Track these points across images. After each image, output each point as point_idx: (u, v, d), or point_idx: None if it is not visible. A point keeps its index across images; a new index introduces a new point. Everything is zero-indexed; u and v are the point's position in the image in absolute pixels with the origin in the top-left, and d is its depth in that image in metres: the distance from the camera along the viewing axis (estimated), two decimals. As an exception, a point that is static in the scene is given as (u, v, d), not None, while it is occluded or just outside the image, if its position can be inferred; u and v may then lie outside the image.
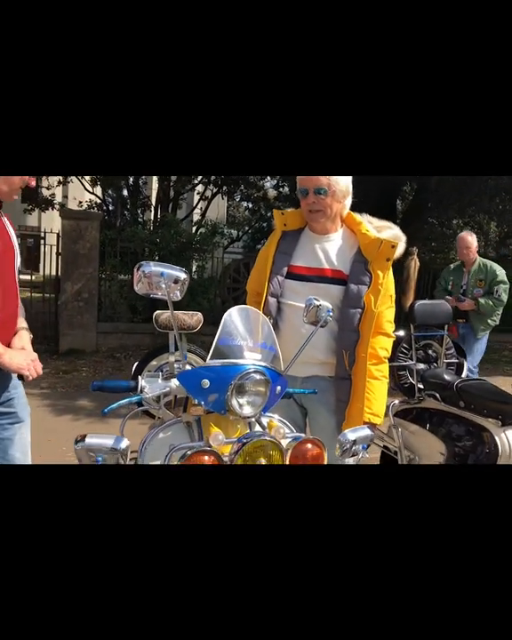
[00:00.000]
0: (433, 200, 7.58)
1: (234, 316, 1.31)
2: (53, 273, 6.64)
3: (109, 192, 10.09)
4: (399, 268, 1.76)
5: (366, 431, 1.35)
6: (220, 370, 1.23)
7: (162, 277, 1.25)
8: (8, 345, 1.60)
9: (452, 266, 4.45)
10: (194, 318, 1.83)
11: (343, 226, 1.83)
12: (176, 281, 1.29)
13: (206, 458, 1.08)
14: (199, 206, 9.67)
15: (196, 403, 1.30)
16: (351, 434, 1.32)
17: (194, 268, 7.16)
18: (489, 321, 4.09)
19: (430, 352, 2.87)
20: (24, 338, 1.66)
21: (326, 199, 1.72)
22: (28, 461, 1.72)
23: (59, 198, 9.73)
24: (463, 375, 2.85)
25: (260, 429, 1.28)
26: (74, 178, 9.18)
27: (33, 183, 1.64)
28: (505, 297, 4.07)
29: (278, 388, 1.33)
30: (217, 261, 7.58)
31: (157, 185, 8.93)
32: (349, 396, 1.75)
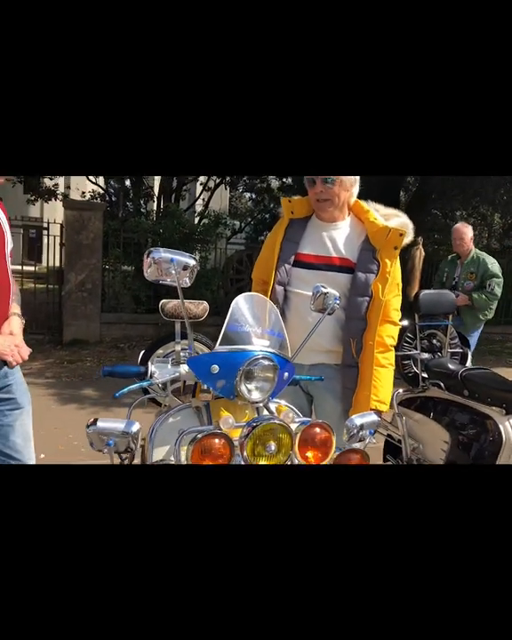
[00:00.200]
0: (437, 191, 7.55)
1: (242, 303, 1.32)
2: (57, 264, 6.65)
3: (112, 183, 10.07)
4: (404, 257, 1.77)
5: (373, 417, 1.36)
6: (229, 356, 1.24)
7: (172, 263, 1.26)
8: None
9: (449, 257, 4.39)
10: (200, 307, 1.84)
11: (350, 214, 1.83)
12: (185, 267, 1.30)
13: (217, 441, 1.09)
14: (202, 197, 9.64)
15: (205, 388, 1.32)
16: (358, 419, 1.34)
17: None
18: (480, 316, 4.00)
19: (434, 342, 2.88)
20: (14, 323, 1.62)
21: (334, 188, 1.72)
22: (30, 448, 1.71)
23: (61, 189, 9.71)
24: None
25: (269, 414, 1.29)
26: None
27: (1, 181, 1.61)
28: (498, 291, 3.96)
29: (286, 373, 1.34)
30: (220, 252, 7.58)
31: (160, 176, 8.90)
32: (356, 384, 1.77)
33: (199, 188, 10.13)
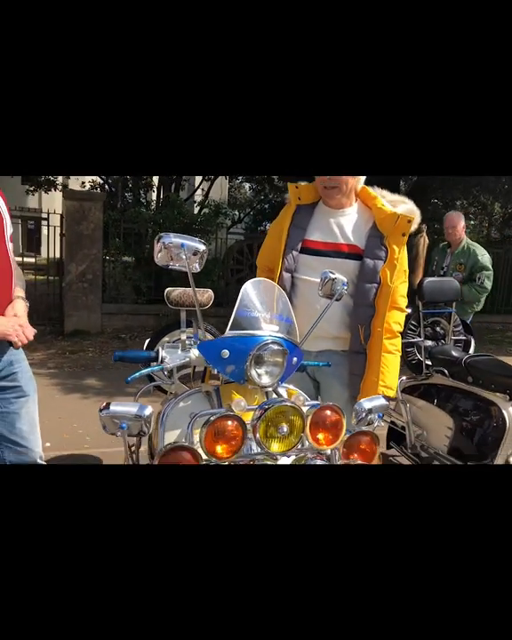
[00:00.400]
0: (437, 180, 7.51)
1: (251, 289, 1.33)
2: (56, 255, 6.63)
3: (111, 173, 9.99)
4: (409, 245, 1.75)
5: (382, 400, 1.38)
6: (238, 341, 1.25)
7: (182, 249, 1.26)
8: (1, 314, 1.56)
9: (440, 245, 4.28)
10: (205, 295, 1.85)
11: (358, 200, 1.83)
12: (195, 252, 1.31)
13: (230, 423, 1.11)
14: (201, 187, 9.60)
15: (216, 372, 1.33)
16: (367, 403, 1.36)
17: (197, 249, 7.12)
18: (468, 308, 3.90)
19: (438, 329, 2.89)
20: (18, 306, 1.61)
21: (341, 175, 1.72)
22: (37, 435, 1.72)
23: (60, 179, 9.65)
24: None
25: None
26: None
27: None
28: (488, 284, 3.84)
29: (295, 358, 1.35)
30: (220, 242, 7.56)
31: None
32: (363, 370, 1.78)
33: (199, 179, 10.08)
